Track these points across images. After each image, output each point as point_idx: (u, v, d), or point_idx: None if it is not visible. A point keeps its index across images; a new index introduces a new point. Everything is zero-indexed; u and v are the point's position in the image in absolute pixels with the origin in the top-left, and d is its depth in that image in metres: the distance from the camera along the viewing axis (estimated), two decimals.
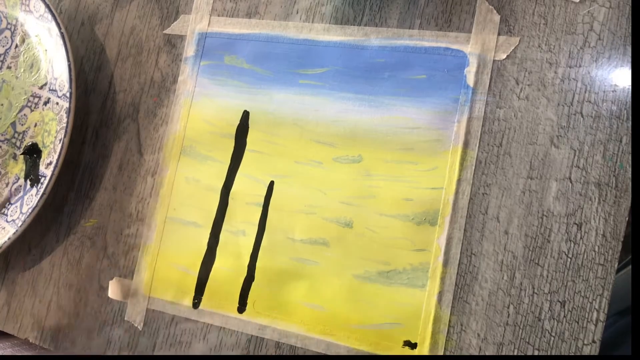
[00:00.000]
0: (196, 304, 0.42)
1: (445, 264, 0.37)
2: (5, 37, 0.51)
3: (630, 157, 0.34)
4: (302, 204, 0.41)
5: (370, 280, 0.38)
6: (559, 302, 0.34)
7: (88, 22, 0.50)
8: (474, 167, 0.37)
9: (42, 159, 0.47)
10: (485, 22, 0.38)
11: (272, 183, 0.42)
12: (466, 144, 0.38)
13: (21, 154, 0.48)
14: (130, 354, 0.43)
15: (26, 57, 0.50)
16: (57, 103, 0.47)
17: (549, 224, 0.35)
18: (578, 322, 0.34)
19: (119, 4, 0.49)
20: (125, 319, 0.44)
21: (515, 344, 0.35)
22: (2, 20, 0.51)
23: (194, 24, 0.46)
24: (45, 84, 0.48)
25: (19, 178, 0.48)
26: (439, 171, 0.38)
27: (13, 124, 0.49)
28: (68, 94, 0.45)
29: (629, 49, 0.35)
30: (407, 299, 0.37)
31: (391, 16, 0.41)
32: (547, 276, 0.35)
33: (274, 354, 0.40)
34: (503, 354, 0.35)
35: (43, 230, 0.48)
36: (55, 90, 0.47)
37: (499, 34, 0.38)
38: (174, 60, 0.46)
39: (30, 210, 0.45)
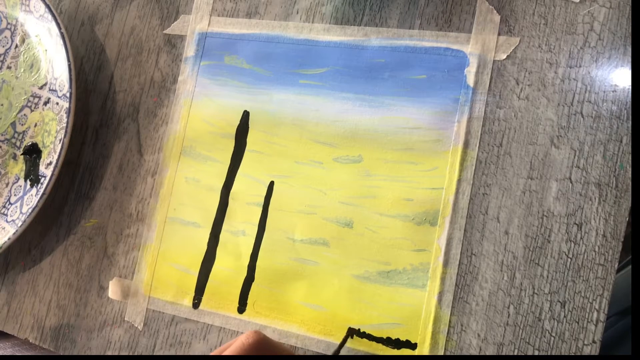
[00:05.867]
0: (196, 304, 0.42)
1: (446, 264, 0.37)
2: (5, 37, 0.51)
3: (630, 157, 0.34)
4: (302, 204, 0.41)
5: (370, 280, 0.38)
6: (559, 302, 0.34)
7: (88, 22, 0.50)
8: (474, 167, 0.37)
9: (42, 159, 0.47)
10: (485, 22, 0.38)
11: (272, 183, 0.42)
12: (466, 144, 0.38)
13: (21, 154, 0.48)
14: (130, 354, 0.43)
15: (26, 57, 0.50)
16: (57, 103, 0.47)
17: (549, 224, 0.35)
18: (578, 322, 0.34)
19: (119, 4, 0.49)
20: (125, 319, 0.44)
21: (516, 344, 0.35)
22: (2, 20, 0.51)
23: (194, 24, 0.46)
24: (45, 84, 0.48)
25: (19, 178, 0.48)
26: (439, 171, 0.38)
27: (13, 124, 0.49)
28: (68, 94, 0.45)
29: (629, 49, 0.35)
30: (407, 299, 0.37)
31: (391, 16, 0.41)
32: (547, 276, 0.35)
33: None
34: (503, 354, 0.35)
35: (43, 230, 0.48)
36: (55, 90, 0.47)
37: (499, 34, 0.38)
38: (174, 60, 0.46)
39: (30, 210, 0.45)
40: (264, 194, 0.42)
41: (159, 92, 0.46)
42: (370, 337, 0.38)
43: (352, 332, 0.38)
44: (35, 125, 0.48)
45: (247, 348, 0.31)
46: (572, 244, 0.35)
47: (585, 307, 0.34)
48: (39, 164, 0.47)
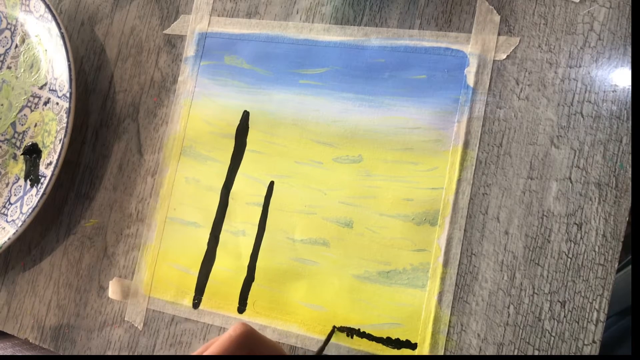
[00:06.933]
0: (196, 304, 0.42)
1: (446, 264, 0.37)
2: (5, 37, 0.51)
3: (630, 157, 0.34)
4: (302, 204, 0.41)
5: (370, 280, 0.38)
6: (559, 302, 0.34)
7: (88, 22, 0.50)
8: (474, 167, 0.37)
9: (42, 159, 0.47)
10: (485, 22, 0.38)
11: (272, 183, 0.42)
12: (466, 144, 0.38)
13: (21, 154, 0.48)
14: (130, 354, 0.43)
15: (26, 57, 0.50)
16: (57, 103, 0.47)
17: (549, 224, 0.35)
18: (578, 322, 0.34)
19: (119, 4, 0.49)
20: (125, 319, 0.44)
21: (516, 344, 0.35)
22: (2, 20, 0.51)
23: (194, 24, 0.46)
24: (45, 84, 0.48)
25: (19, 178, 0.48)
26: (439, 171, 0.38)
27: (13, 124, 0.49)
28: (68, 94, 0.45)
29: (629, 49, 0.35)
30: (407, 299, 0.37)
31: (391, 16, 0.41)
32: (547, 276, 0.35)
33: None
34: (503, 354, 0.35)
35: (43, 230, 0.48)
36: (55, 91, 0.47)
37: (499, 34, 0.38)
38: (174, 60, 0.46)
39: (30, 210, 0.45)
40: (264, 194, 0.42)
41: (159, 92, 0.46)
42: (370, 337, 0.38)
43: (335, 330, 0.38)
44: (35, 125, 0.48)
45: (235, 339, 0.31)
46: (572, 244, 0.35)
47: (585, 307, 0.34)
48: (39, 164, 0.47)
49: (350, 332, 0.38)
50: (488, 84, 0.38)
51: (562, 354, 0.34)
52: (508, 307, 0.35)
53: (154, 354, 0.42)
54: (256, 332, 0.33)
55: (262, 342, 0.33)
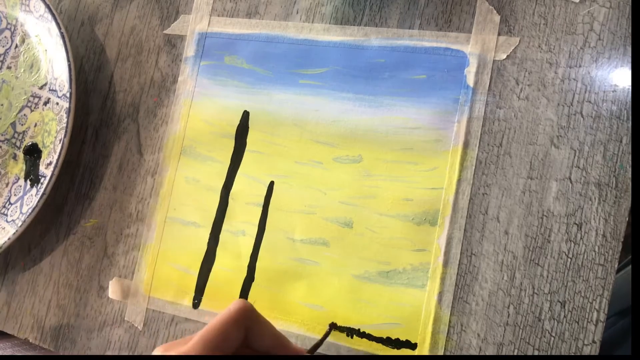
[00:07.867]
0: (196, 304, 0.42)
1: (445, 264, 0.37)
2: (5, 37, 0.51)
3: (630, 157, 0.34)
4: (302, 204, 0.41)
5: (370, 280, 0.38)
6: (559, 302, 0.34)
7: (88, 22, 0.50)
8: (474, 167, 0.37)
9: (42, 159, 0.47)
10: (485, 22, 0.38)
11: (272, 183, 0.42)
12: (466, 144, 0.38)
13: (21, 154, 0.48)
14: (130, 354, 0.43)
15: (26, 57, 0.50)
16: (57, 103, 0.47)
17: (549, 224, 0.35)
18: (578, 323, 0.34)
19: (119, 4, 0.49)
20: (125, 319, 0.44)
21: (515, 344, 0.35)
22: (2, 20, 0.51)
23: (194, 24, 0.46)
24: (45, 84, 0.48)
25: (19, 178, 0.48)
26: (439, 171, 0.38)
27: (13, 124, 0.49)
28: (68, 94, 0.45)
29: (629, 49, 0.35)
30: (407, 299, 0.37)
31: (391, 16, 0.41)
32: (547, 276, 0.35)
33: None
34: (503, 354, 0.35)
35: (43, 230, 0.48)
36: (55, 90, 0.47)
37: (499, 34, 0.38)
38: (174, 60, 0.46)
39: (30, 210, 0.45)
40: (264, 194, 0.42)
41: (159, 92, 0.46)
42: (370, 337, 0.38)
43: (332, 328, 0.38)
44: (35, 125, 0.48)
45: (232, 314, 0.30)
46: (572, 244, 0.35)
47: (585, 307, 0.34)
48: (39, 164, 0.47)
49: (350, 332, 0.38)
50: (488, 84, 0.38)
51: (562, 354, 0.34)
52: (508, 307, 0.35)
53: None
54: (256, 311, 0.32)
55: (260, 322, 0.32)
